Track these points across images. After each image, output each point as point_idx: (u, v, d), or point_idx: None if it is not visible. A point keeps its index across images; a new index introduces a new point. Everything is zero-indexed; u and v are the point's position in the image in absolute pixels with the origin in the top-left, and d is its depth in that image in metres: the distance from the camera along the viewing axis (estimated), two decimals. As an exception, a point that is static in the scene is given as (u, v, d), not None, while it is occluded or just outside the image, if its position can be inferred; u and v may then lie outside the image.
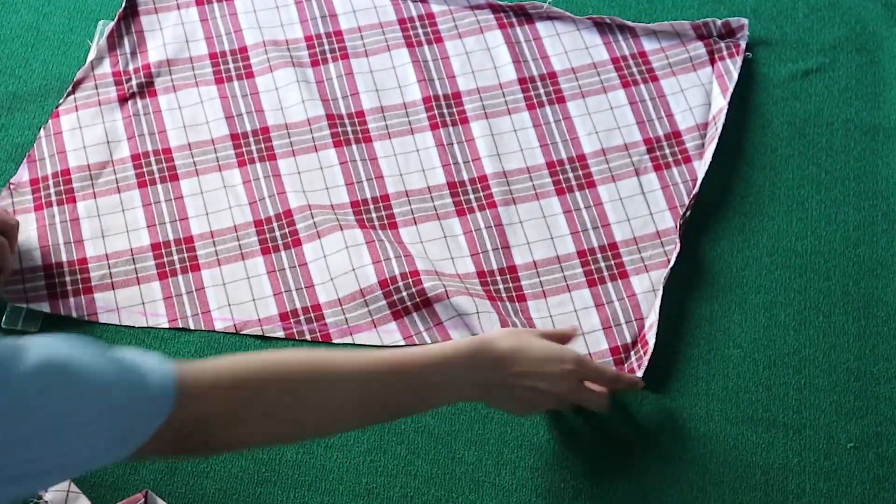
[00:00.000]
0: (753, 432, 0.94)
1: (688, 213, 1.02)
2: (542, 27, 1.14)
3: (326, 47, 1.13)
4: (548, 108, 1.09)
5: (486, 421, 0.94)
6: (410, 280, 0.98)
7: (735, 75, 1.09)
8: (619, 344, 0.97)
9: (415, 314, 0.98)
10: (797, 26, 1.14)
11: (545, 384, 0.83)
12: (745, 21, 1.12)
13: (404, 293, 0.98)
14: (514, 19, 1.15)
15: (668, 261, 1.00)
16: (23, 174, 1.05)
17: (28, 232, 1.02)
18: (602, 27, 1.14)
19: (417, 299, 0.98)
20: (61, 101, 1.08)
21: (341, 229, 1.01)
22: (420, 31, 1.14)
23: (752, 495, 0.91)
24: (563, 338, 0.89)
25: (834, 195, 1.05)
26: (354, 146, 1.07)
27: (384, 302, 0.98)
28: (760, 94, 1.10)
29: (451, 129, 1.08)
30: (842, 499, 0.91)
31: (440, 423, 0.94)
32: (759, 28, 1.14)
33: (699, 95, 1.09)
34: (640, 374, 0.94)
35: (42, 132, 1.06)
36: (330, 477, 0.92)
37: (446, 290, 0.97)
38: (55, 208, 1.03)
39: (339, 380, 0.75)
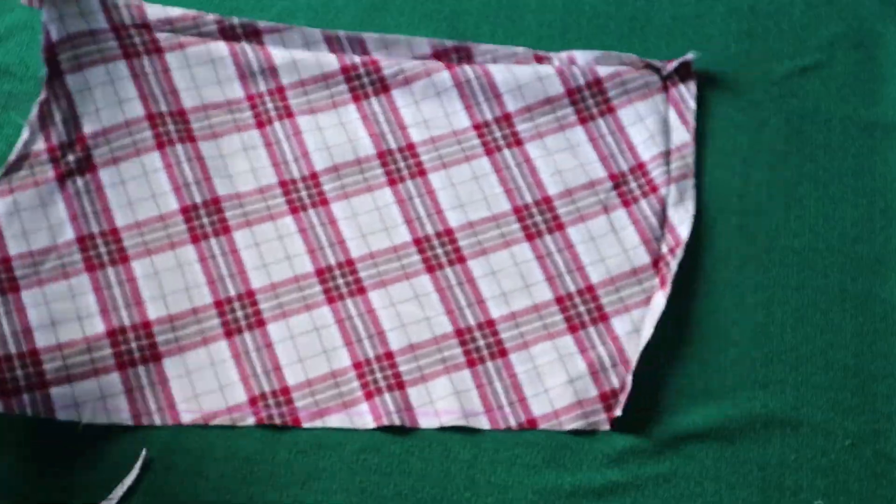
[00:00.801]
0: (751, 429, 0.93)
1: (675, 261, 1.00)
2: (494, 68, 1.08)
3: (270, 105, 1.06)
4: (507, 152, 1.05)
5: (482, 419, 0.94)
6: (386, 363, 0.95)
7: (692, 105, 1.07)
8: (607, 389, 0.95)
9: (387, 395, 0.94)
10: (794, 23, 1.14)
11: None
12: (690, 57, 1.08)
13: (378, 374, 0.95)
14: (459, 61, 1.09)
15: (648, 299, 0.99)
16: None
17: None
18: (549, 61, 1.09)
19: (392, 381, 0.95)
20: None
21: (308, 309, 0.97)
22: (366, 79, 1.08)
23: (750, 492, 0.91)
24: None
25: (831, 192, 1.05)
26: (311, 211, 1.02)
27: (357, 383, 0.95)
28: (757, 90, 1.10)
29: (409, 182, 1.03)
30: (839, 496, 0.91)
31: (435, 421, 0.94)
32: (757, 24, 1.13)
33: (658, 122, 1.06)
34: (617, 412, 0.93)
35: None
36: (324, 476, 0.92)
37: (423, 375, 0.95)
38: None
39: None
